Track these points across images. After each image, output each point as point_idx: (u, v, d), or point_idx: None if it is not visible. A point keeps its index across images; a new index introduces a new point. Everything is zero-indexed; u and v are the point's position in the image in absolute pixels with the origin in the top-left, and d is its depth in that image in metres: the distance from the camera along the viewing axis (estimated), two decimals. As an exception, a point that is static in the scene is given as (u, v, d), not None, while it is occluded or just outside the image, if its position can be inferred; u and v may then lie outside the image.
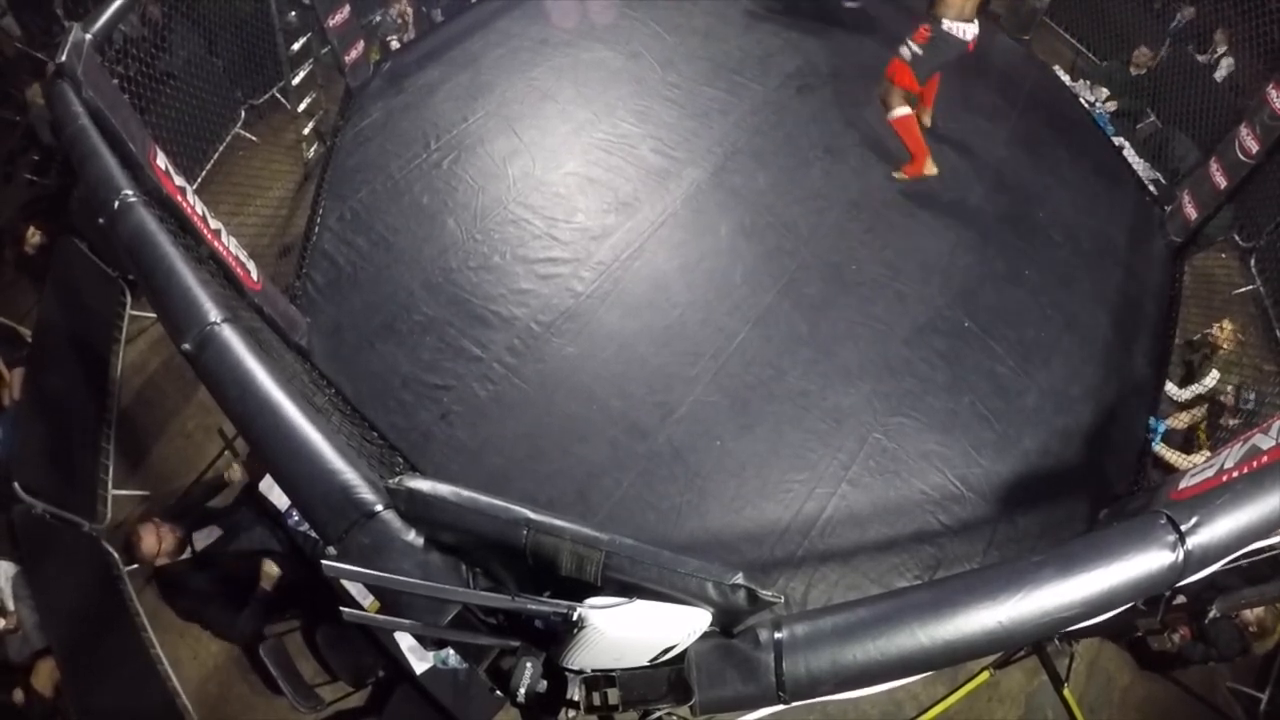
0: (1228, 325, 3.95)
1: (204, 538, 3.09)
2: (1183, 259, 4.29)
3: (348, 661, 3.11)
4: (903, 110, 3.85)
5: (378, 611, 1.27)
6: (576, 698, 1.29)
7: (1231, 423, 3.56)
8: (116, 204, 2.03)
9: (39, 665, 2.89)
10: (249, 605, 2.97)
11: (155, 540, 2.90)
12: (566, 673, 1.28)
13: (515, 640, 1.27)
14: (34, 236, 4.16)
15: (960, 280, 3.76)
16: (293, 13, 4.45)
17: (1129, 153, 4.94)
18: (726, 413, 3.25)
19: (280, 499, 3.13)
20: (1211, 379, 3.86)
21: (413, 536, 1.29)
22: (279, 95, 4.83)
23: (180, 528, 3.02)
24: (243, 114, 4.73)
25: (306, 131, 4.59)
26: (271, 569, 2.96)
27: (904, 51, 3.65)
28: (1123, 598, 1.21)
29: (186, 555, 3.02)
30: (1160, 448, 3.58)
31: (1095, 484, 3.32)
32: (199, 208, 2.78)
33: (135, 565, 3.08)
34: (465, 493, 1.28)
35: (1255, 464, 2.58)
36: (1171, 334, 3.98)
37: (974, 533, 3.09)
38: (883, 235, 3.86)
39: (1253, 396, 3.58)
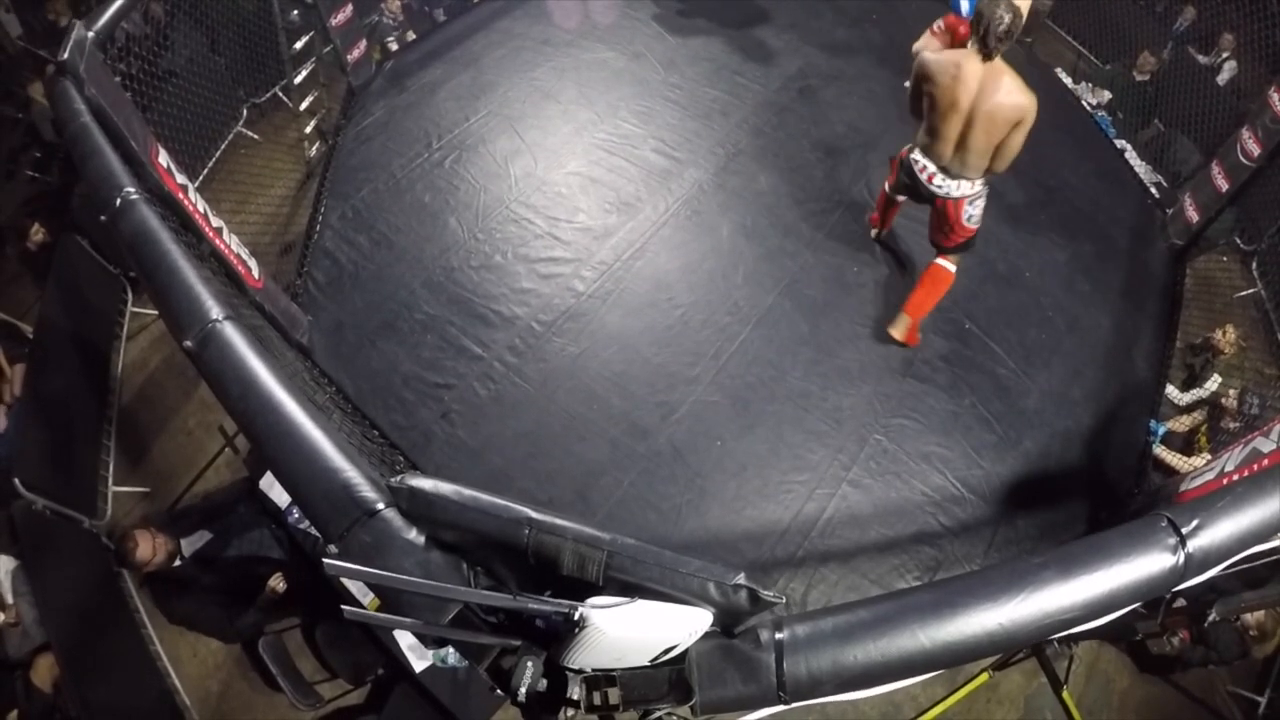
0: (1230, 331, 3.95)
1: (191, 544, 3.08)
2: (1184, 262, 4.29)
3: (347, 659, 3.11)
4: (948, 264, 3.26)
5: (378, 609, 1.27)
6: (577, 697, 1.29)
7: (1233, 425, 3.56)
8: (118, 201, 2.03)
9: (38, 661, 2.89)
10: (250, 609, 2.97)
11: (150, 549, 2.89)
12: (567, 672, 1.28)
13: (516, 639, 1.27)
14: (36, 233, 4.17)
15: (961, 282, 3.74)
16: (295, 11, 4.45)
17: (1131, 155, 4.94)
18: (727, 413, 3.25)
19: (281, 497, 3.14)
20: (1213, 383, 3.86)
21: (414, 535, 1.29)
22: (281, 94, 4.83)
23: (172, 539, 3.01)
24: (245, 112, 4.72)
25: (308, 130, 4.59)
26: (279, 584, 2.96)
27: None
28: (1123, 600, 1.21)
29: (177, 563, 3.02)
30: (1160, 450, 3.58)
31: (1096, 486, 3.32)
32: (201, 205, 2.78)
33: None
34: (466, 491, 1.28)
35: (1256, 467, 2.59)
36: (1173, 337, 3.97)
37: (974, 534, 3.09)
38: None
39: (1256, 402, 3.58)
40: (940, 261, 3.26)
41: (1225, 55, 5.49)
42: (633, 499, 3.05)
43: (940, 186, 2.95)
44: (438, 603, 1.22)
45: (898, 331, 3.43)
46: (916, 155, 2.97)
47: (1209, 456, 3.27)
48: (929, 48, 2.88)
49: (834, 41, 4.87)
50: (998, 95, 2.62)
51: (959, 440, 3.29)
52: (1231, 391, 3.71)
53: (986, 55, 2.60)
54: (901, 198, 3.34)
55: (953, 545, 3.05)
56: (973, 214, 3.04)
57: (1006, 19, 2.51)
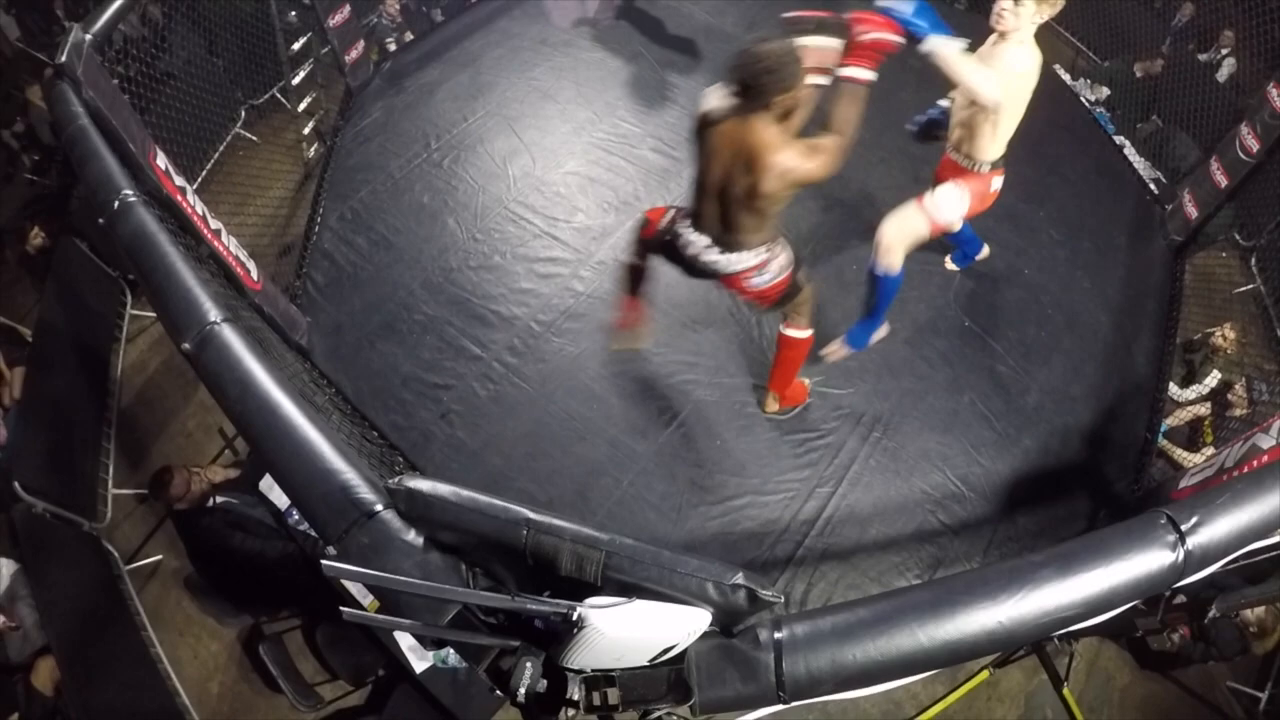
0: (1229, 329, 3.95)
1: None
2: (1183, 258, 4.28)
3: (348, 660, 3.11)
4: (793, 332, 2.80)
5: (378, 611, 1.27)
6: (576, 697, 1.29)
7: (1240, 413, 3.57)
8: (116, 204, 2.03)
9: (39, 664, 2.89)
10: (286, 542, 3.05)
11: (185, 484, 3.02)
12: (566, 672, 1.28)
13: (515, 640, 1.27)
14: (35, 237, 4.17)
15: (960, 279, 3.76)
16: (293, 12, 4.46)
17: (1129, 151, 4.93)
18: (727, 412, 3.25)
19: (280, 499, 3.14)
20: (1212, 379, 3.86)
21: (412, 536, 1.29)
22: (279, 95, 4.83)
23: (210, 481, 3.14)
24: (243, 114, 4.73)
25: (307, 131, 4.59)
26: None
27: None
28: (1123, 597, 1.21)
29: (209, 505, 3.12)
30: (1164, 444, 3.59)
31: (1096, 483, 3.32)
32: (199, 207, 2.78)
33: (139, 558, 3.09)
34: (465, 492, 1.28)
35: (1255, 463, 2.59)
36: (1172, 333, 3.97)
37: (974, 532, 3.09)
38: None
39: (1264, 388, 3.58)
40: (785, 331, 2.79)
41: (1225, 52, 5.48)
42: (632, 499, 3.05)
43: (714, 262, 2.42)
44: (436, 604, 1.22)
45: (772, 406, 3.19)
46: (680, 227, 2.43)
47: (1213, 450, 3.28)
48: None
49: (832, 40, 4.86)
50: (753, 154, 2.10)
51: (959, 438, 3.29)
52: (1238, 386, 3.71)
53: (739, 103, 2.10)
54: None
55: (953, 543, 3.05)
56: (762, 279, 2.47)
57: (764, 63, 1.96)
